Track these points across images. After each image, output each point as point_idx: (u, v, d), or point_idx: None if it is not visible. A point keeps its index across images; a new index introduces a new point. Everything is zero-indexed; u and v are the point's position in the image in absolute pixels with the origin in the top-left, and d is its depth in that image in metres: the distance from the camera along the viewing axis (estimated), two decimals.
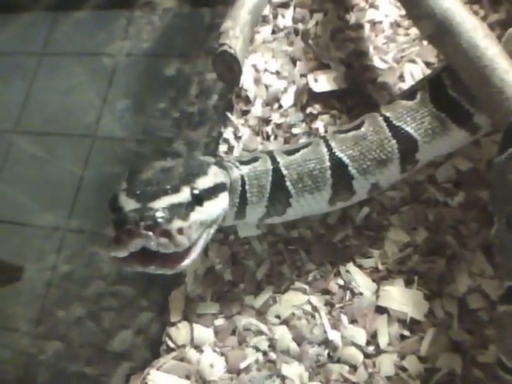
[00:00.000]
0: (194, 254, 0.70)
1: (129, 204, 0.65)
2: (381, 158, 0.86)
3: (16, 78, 1.45)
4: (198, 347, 0.93)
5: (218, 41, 0.96)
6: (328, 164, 0.86)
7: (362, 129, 0.88)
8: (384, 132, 0.87)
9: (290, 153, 0.89)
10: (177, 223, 0.65)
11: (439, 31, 0.85)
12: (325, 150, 0.87)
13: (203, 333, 0.94)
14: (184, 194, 0.70)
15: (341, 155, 0.86)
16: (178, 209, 0.67)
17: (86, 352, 1.01)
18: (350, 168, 0.86)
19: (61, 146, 1.31)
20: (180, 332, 0.94)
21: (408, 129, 0.87)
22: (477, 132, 0.88)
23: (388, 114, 0.88)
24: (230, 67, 0.96)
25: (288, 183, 0.87)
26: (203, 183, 0.75)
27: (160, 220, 0.63)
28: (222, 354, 0.92)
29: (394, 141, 0.86)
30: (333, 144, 0.87)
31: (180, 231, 0.65)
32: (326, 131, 1.04)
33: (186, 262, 0.69)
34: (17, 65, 1.48)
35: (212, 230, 0.78)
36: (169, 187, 0.69)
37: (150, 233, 0.62)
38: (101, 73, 1.34)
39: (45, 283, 1.10)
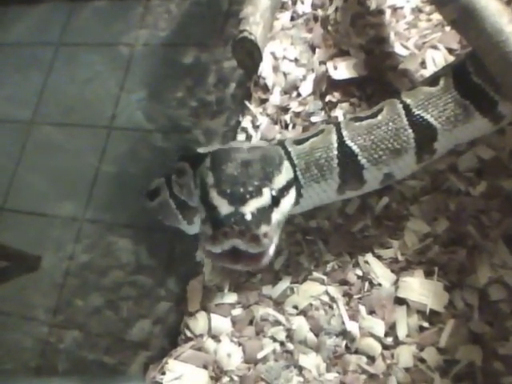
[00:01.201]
0: (272, 251, 0.77)
1: (223, 206, 0.75)
2: (395, 147, 0.87)
3: (34, 68, 1.50)
4: (216, 337, 0.96)
5: (238, 27, 0.97)
6: (335, 153, 0.88)
7: (379, 117, 0.89)
8: (401, 120, 0.87)
9: (299, 142, 0.91)
10: (263, 228, 0.74)
11: (463, 16, 0.85)
12: (334, 138, 0.89)
13: (221, 323, 0.97)
14: (265, 197, 0.77)
15: (350, 144, 0.88)
16: (262, 213, 0.75)
17: (105, 341, 1.05)
18: (359, 157, 0.88)
19: (78, 137, 1.36)
20: (198, 322, 0.97)
21: (428, 117, 0.87)
22: (500, 121, 0.89)
23: (408, 101, 0.88)
24: (250, 54, 0.98)
25: (298, 173, 0.89)
26: (278, 182, 0.81)
27: (251, 226, 0.72)
28: (240, 344, 0.95)
29: (411, 130, 0.87)
30: (344, 132, 0.89)
31: (265, 235, 0.74)
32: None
33: (267, 259, 0.76)
34: (34, 55, 1.53)
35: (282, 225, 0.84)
36: (253, 190, 0.77)
37: (242, 236, 0.72)
38: (118, 62, 1.37)
39: (63, 272, 1.15)
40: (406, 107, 0.88)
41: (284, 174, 0.84)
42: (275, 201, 0.79)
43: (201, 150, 0.92)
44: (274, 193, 0.78)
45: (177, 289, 1.01)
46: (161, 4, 1.32)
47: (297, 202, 0.91)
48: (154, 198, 1.04)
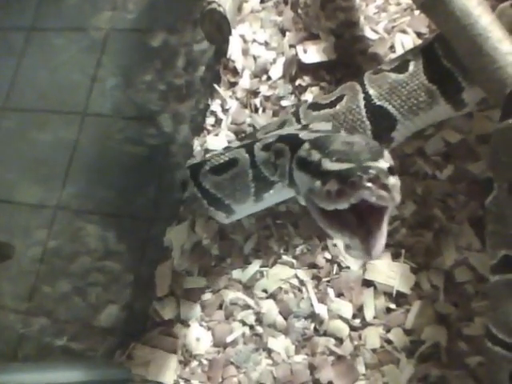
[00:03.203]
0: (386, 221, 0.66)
1: (342, 166, 0.65)
2: None
3: (4, 54, 1.42)
4: (185, 321, 0.93)
5: None
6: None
7: (338, 106, 0.85)
8: (359, 112, 0.84)
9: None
10: (391, 180, 0.64)
11: None
12: (292, 131, 0.83)
13: (190, 307, 0.94)
14: (383, 163, 0.66)
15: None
16: (386, 171, 0.65)
17: (73, 327, 1.01)
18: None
19: (51, 123, 1.29)
20: (166, 307, 0.94)
21: (389, 108, 0.84)
22: (461, 108, 0.86)
23: (371, 92, 0.84)
24: (218, 26, 0.93)
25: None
26: (388, 158, 0.72)
27: (380, 175, 0.62)
28: (209, 328, 0.93)
29: (368, 122, 0.84)
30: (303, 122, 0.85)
31: (394, 187, 0.64)
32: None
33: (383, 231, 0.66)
34: (5, 41, 1.44)
35: None
36: (369, 155, 0.67)
37: (372, 185, 0.61)
38: (89, 47, 1.31)
39: (31, 259, 1.09)
40: (368, 98, 0.84)
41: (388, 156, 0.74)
42: (390, 170, 0.68)
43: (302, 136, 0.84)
44: (387, 164, 0.67)
45: (145, 274, 0.97)
46: None
47: None
48: (184, 190, 0.93)
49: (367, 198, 0.62)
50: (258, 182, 0.86)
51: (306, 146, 0.75)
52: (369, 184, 0.61)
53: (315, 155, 0.71)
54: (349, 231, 0.66)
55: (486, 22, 0.78)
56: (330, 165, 0.67)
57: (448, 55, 0.83)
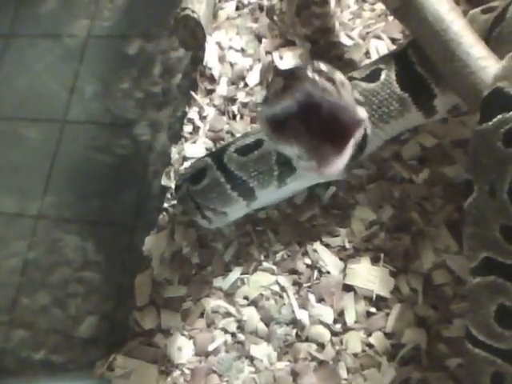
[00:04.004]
0: (352, 144, 0.65)
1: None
2: None
3: None
4: (166, 331, 0.91)
5: (181, 5, 0.89)
6: None
7: None
8: None
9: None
10: (339, 76, 0.64)
11: (404, 4, 0.82)
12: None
13: (171, 316, 0.92)
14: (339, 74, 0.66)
15: None
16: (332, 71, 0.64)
17: (52, 339, 0.98)
18: None
19: (30, 131, 1.25)
20: (146, 316, 0.92)
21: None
22: (432, 116, 0.86)
23: None
24: (192, 33, 0.91)
25: None
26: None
27: (325, 69, 0.62)
28: (191, 337, 0.91)
29: None
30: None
31: (342, 84, 0.63)
32: None
33: (347, 152, 0.64)
34: None
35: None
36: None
37: (317, 76, 0.60)
38: (65, 54, 1.28)
39: (8, 271, 1.05)
40: None
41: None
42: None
43: None
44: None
45: (125, 284, 0.95)
46: None
47: None
48: (198, 181, 0.89)
49: (312, 91, 0.60)
50: (280, 165, 0.85)
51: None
52: (313, 75, 0.60)
53: None
54: (296, 140, 0.64)
55: (458, 27, 0.77)
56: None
57: (422, 62, 0.83)
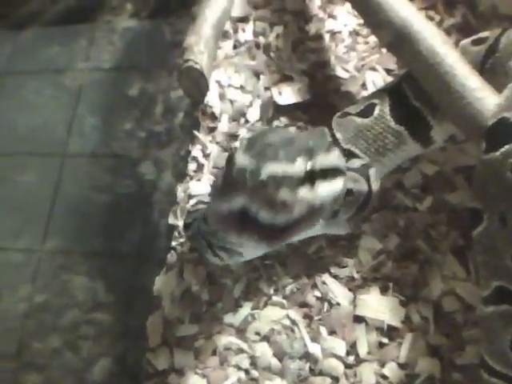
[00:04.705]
0: (292, 237, 0.66)
1: (243, 160, 0.62)
2: None
3: None
4: (179, 371, 0.90)
5: (183, 56, 0.91)
6: None
7: None
8: None
9: None
10: (283, 193, 0.61)
11: (398, 39, 0.83)
12: None
13: (183, 355, 0.90)
14: (297, 168, 0.65)
15: None
16: (288, 180, 0.63)
17: (66, 382, 0.96)
18: None
19: (30, 166, 1.25)
20: (160, 357, 0.91)
21: (356, 151, 0.83)
22: (429, 146, 0.86)
23: (338, 135, 0.84)
24: (196, 83, 0.93)
25: None
26: (322, 161, 0.69)
27: (267, 184, 0.60)
28: (204, 376, 0.89)
29: None
30: None
31: (283, 203, 0.61)
32: None
33: (279, 243, 0.65)
34: None
35: (319, 222, 0.72)
36: (285, 155, 0.64)
37: (255, 193, 0.59)
38: (65, 92, 1.28)
39: (19, 315, 1.04)
40: (336, 141, 0.83)
41: (332, 158, 0.73)
42: (310, 177, 0.66)
43: None
44: (309, 166, 0.66)
45: (136, 325, 0.94)
46: (104, 35, 1.25)
47: None
48: (186, 231, 0.89)
49: (247, 207, 0.59)
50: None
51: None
52: (252, 190, 0.58)
53: (244, 144, 0.68)
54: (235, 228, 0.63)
55: (452, 59, 0.79)
56: (239, 155, 0.64)
57: (417, 95, 0.84)
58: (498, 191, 0.62)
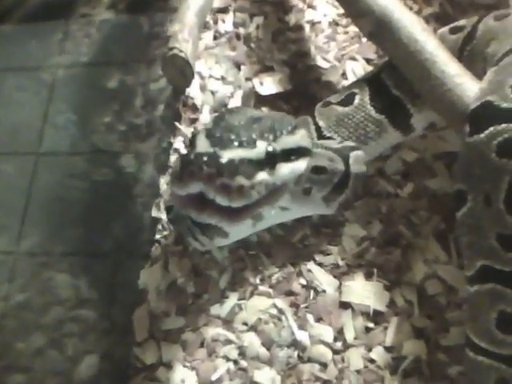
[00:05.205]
0: (254, 213, 0.66)
1: (203, 145, 0.63)
2: None
3: None
4: (167, 364, 0.88)
5: (167, 45, 0.89)
6: None
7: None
8: None
9: None
10: (239, 180, 0.61)
11: (379, 28, 0.84)
12: None
13: (171, 349, 0.89)
14: (258, 151, 0.65)
15: None
16: (246, 164, 0.63)
17: (52, 382, 0.94)
18: None
19: (4, 166, 1.21)
20: (147, 351, 0.89)
21: (338, 139, 0.85)
22: (410, 133, 0.88)
23: (321, 123, 0.85)
24: (181, 71, 0.91)
25: None
26: (284, 143, 0.69)
27: (223, 171, 0.59)
28: (193, 368, 0.88)
29: None
30: None
31: (240, 188, 0.61)
32: None
33: (240, 221, 0.65)
34: None
35: (281, 199, 0.73)
36: (245, 139, 0.64)
37: (210, 181, 0.58)
38: (41, 88, 1.25)
39: (1, 315, 1.01)
40: (318, 129, 0.85)
41: (297, 138, 0.73)
42: (270, 159, 0.67)
43: None
44: (271, 149, 0.66)
45: (122, 320, 0.92)
46: (80, 28, 1.22)
47: None
48: (168, 213, 0.89)
49: (205, 194, 0.60)
50: None
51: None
52: (207, 179, 0.58)
53: (208, 124, 0.69)
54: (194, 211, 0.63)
55: (431, 46, 0.80)
56: (201, 139, 0.65)
57: (396, 84, 0.85)
58: (482, 172, 0.63)
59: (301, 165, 0.75)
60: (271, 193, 0.70)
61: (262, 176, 0.67)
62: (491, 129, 0.62)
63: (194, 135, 0.68)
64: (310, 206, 0.86)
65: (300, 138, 0.75)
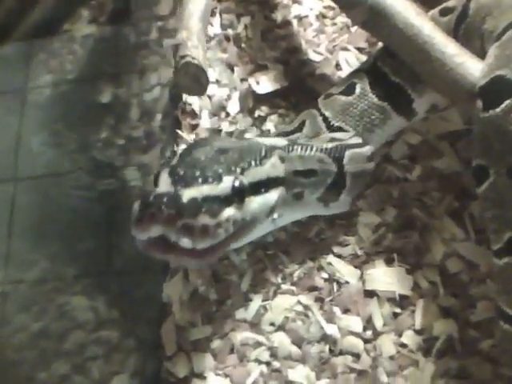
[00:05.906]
0: (218, 253, 0.63)
1: (164, 184, 0.59)
2: None
3: None
4: (200, 375, 0.86)
5: (178, 53, 0.86)
6: None
7: (304, 130, 0.85)
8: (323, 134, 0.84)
9: None
10: (203, 219, 0.57)
11: (372, 16, 0.84)
12: None
13: (202, 359, 0.87)
14: (224, 186, 0.61)
15: None
16: (210, 202, 0.59)
17: None
18: None
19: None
20: (178, 364, 0.87)
21: (346, 128, 0.84)
22: (412, 118, 0.89)
23: (327, 114, 0.85)
24: (195, 78, 0.88)
25: None
26: (253, 175, 0.66)
27: (183, 212, 0.56)
28: (226, 376, 0.87)
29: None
30: None
31: (204, 228, 0.58)
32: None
33: (209, 260, 0.62)
34: None
35: (255, 229, 0.70)
36: (210, 175, 0.61)
37: (171, 223, 0.55)
38: (29, 109, 1.20)
39: (19, 347, 0.97)
40: (326, 119, 0.85)
41: (266, 169, 0.70)
42: (238, 194, 0.63)
43: None
44: (237, 183, 0.63)
45: (149, 335, 0.89)
46: (63, 46, 1.18)
47: None
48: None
49: (167, 236, 0.57)
50: None
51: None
52: (168, 221, 0.55)
53: (174, 160, 0.67)
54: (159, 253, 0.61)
55: (428, 29, 0.80)
56: (163, 176, 0.62)
57: (394, 70, 0.85)
58: (503, 146, 0.63)
59: (272, 196, 0.72)
60: (240, 229, 0.67)
61: (229, 212, 0.63)
62: (507, 102, 0.62)
63: (158, 173, 0.65)
64: (305, 209, 0.86)
65: (270, 167, 0.71)
